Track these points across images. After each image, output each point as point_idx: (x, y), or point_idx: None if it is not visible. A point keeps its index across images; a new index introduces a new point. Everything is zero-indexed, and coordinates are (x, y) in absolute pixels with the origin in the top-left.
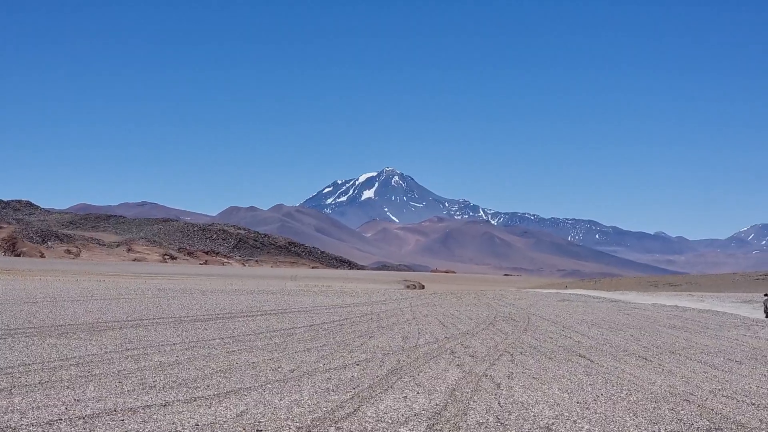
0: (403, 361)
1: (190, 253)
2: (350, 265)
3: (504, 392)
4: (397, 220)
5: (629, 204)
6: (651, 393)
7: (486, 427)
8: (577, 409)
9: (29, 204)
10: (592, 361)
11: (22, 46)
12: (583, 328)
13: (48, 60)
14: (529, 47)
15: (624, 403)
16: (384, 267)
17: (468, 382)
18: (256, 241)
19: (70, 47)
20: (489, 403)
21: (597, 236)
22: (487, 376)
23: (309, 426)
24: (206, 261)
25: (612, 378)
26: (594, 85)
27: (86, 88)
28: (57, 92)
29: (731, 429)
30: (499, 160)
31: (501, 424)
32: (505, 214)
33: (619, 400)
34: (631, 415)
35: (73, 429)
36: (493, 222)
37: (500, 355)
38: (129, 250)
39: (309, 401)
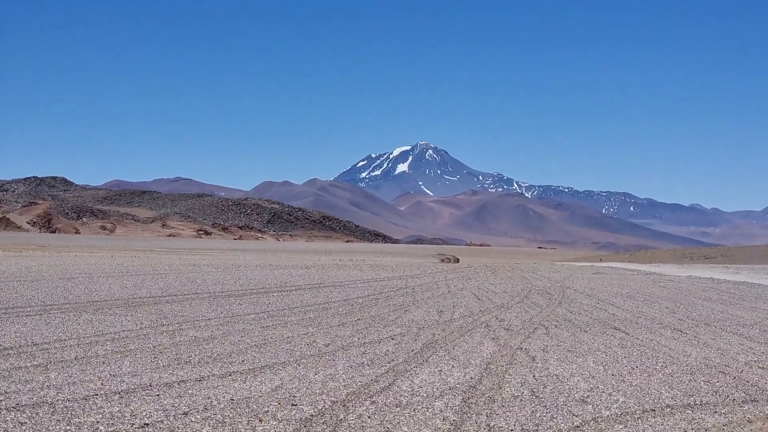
0: (438, 334)
1: (224, 228)
2: (385, 238)
3: (539, 365)
4: (431, 194)
5: (664, 176)
6: (686, 365)
7: (521, 400)
8: (612, 381)
9: (64, 180)
10: (627, 333)
11: (59, 25)
12: (617, 300)
13: (83, 38)
14: (562, 21)
15: (659, 375)
16: (418, 240)
17: (503, 356)
18: (290, 215)
19: (108, 25)
20: (524, 376)
21: (631, 208)
22: (522, 349)
23: (344, 400)
24: (240, 236)
25: (647, 350)
26: (629, 58)
27: (121, 64)
28: (92, 70)
29: (767, 401)
30: (534, 133)
31: (536, 396)
32: (539, 186)
33: (654, 372)
34: (666, 387)
35: (109, 404)
36: (527, 195)
37: (535, 328)
38: (163, 225)
39: (344, 375)
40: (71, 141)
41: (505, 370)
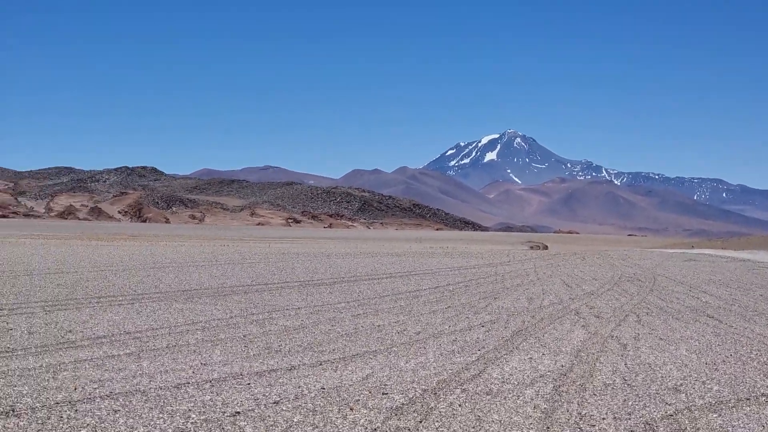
0: (528, 322)
1: (314, 217)
2: (474, 226)
3: (630, 353)
4: (519, 182)
5: (757, 161)
6: None
7: (612, 388)
8: (706, 370)
9: (154, 170)
10: (720, 321)
11: (149, 15)
12: (710, 288)
13: (174, 29)
14: (651, 2)
15: (754, 364)
16: (507, 228)
17: (594, 343)
18: (380, 203)
19: (195, 13)
20: (615, 364)
21: (724, 195)
22: (612, 337)
23: (435, 388)
24: (330, 224)
25: (741, 339)
26: (716, 41)
27: (212, 54)
28: (182, 60)
29: None
30: (623, 119)
31: (628, 385)
32: (628, 173)
33: (748, 360)
34: (761, 375)
35: (200, 392)
36: (616, 182)
37: (626, 315)
38: (253, 214)
39: (434, 363)
40: (161, 131)
41: (596, 358)
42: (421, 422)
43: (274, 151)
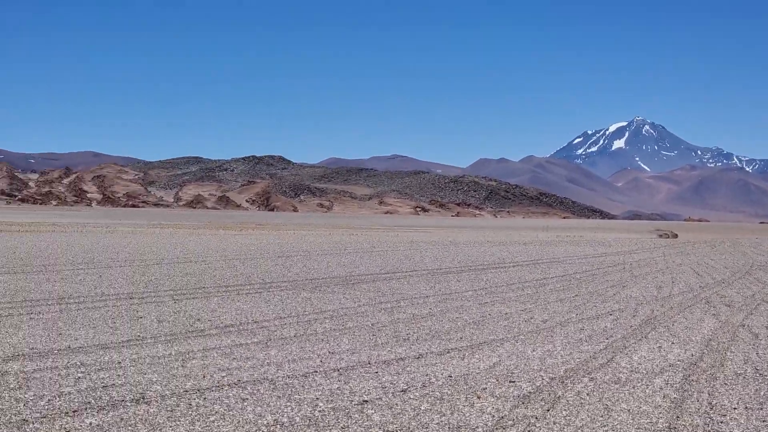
0: (657, 310)
1: (441, 205)
2: (602, 214)
3: (762, 342)
4: (648, 169)
5: None
6: None
7: (744, 377)
8: None
9: (282, 159)
10: None
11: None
12: None
13: (300, 18)
14: None
15: None
16: (636, 216)
17: (724, 333)
18: (507, 192)
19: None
20: (747, 354)
21: None
22: (744, 326)
23: (562, 377)
24: (458, 212)
25: None
26: None
27: (334, 44)
28: (309, 48)
29: None
30: (755, 105)
31: (760, 375)
32: (760, 160)
33: None
34: None
35: (328, 381)
36: (747, 169)
37: (758, 304)
38: (381, 202)
39: (562, 352)
40: (289, 120)
41: (727, 347)
42: (548, 411)
43: (401, 140)
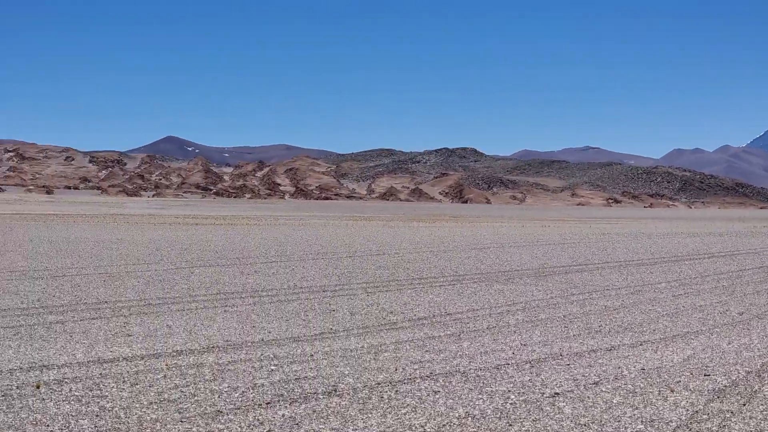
0: None
1: (634, 197)
2: None
3: None
4: None
5: None
6: None
7: None
8: None
9: (474, 151)
10: None
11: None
12: None
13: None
14: None
15: None
16: None
17: None
18: (701, 182)
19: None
20: None
21: None
22: None
23: (759, 370)
24: (651, 204)
25: None
26: None
27: (530, 34)
28: (499, 42)
29: None
30: None
31: None
32: None
33: None
34: None
35: (519, 373)
36: None
37: None
38: (573, 194)
39: (758, 345)
40: (481, 112)
41: None
42: (744, 405)
43: (593, 132)
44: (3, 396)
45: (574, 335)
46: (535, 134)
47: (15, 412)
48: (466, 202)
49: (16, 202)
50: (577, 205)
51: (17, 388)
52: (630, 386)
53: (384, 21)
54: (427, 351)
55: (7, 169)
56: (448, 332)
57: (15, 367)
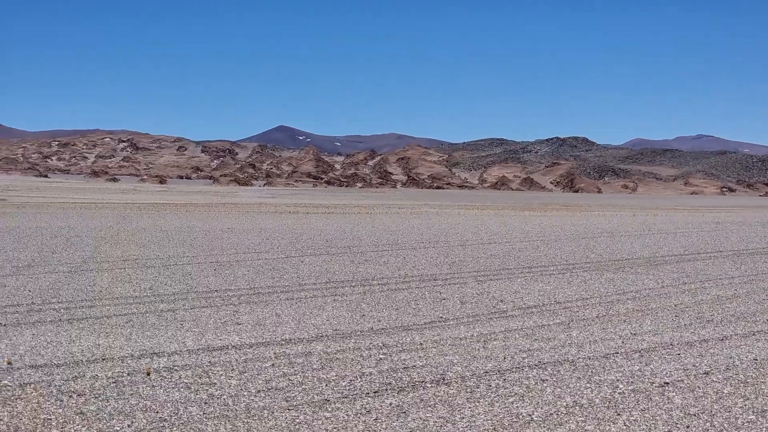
0: None
1: (749, 185)
2: None
3: None
4: None
5: None
6: None
7: None
8: None
9: (586, 140)
10: None
11: None
12: None
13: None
14: None
15: None
16: None
17: None
18: None
19: None
20: None
21: None
22: None
23: None
24: (766, 193)
25: None
26: None
27: (644, 24)
28: (615, 30)
29: None
30: None
31: None
32: None
33: None
34: None
35: (629, 362)
36: None
37: None
38: (686, 183)
39: None
40: (592, 101)
41: None
42: None
43: (707, 120)
44: (114, 383)
45: (685, 325)
46: (647, 123)
47: (125, 399)
48: (577, 191)
49: (131, 191)
50: (691, 194)
51: (128, 375)
52: (741, 376)
53: (497, 10)
54: (536, 339)
55: (122, 159)
56: (558, 321)
57: (126, 355)
